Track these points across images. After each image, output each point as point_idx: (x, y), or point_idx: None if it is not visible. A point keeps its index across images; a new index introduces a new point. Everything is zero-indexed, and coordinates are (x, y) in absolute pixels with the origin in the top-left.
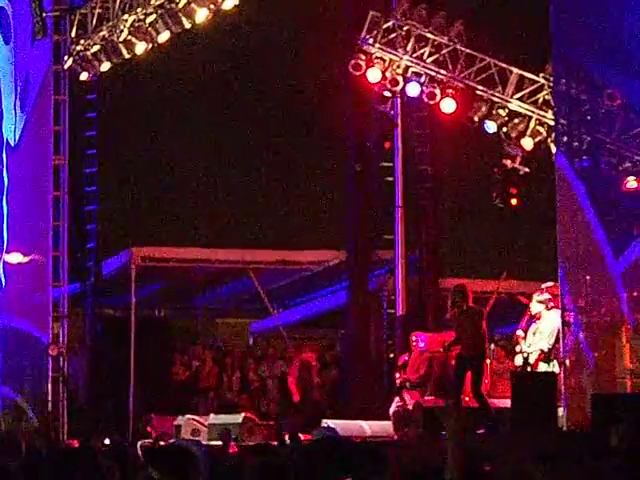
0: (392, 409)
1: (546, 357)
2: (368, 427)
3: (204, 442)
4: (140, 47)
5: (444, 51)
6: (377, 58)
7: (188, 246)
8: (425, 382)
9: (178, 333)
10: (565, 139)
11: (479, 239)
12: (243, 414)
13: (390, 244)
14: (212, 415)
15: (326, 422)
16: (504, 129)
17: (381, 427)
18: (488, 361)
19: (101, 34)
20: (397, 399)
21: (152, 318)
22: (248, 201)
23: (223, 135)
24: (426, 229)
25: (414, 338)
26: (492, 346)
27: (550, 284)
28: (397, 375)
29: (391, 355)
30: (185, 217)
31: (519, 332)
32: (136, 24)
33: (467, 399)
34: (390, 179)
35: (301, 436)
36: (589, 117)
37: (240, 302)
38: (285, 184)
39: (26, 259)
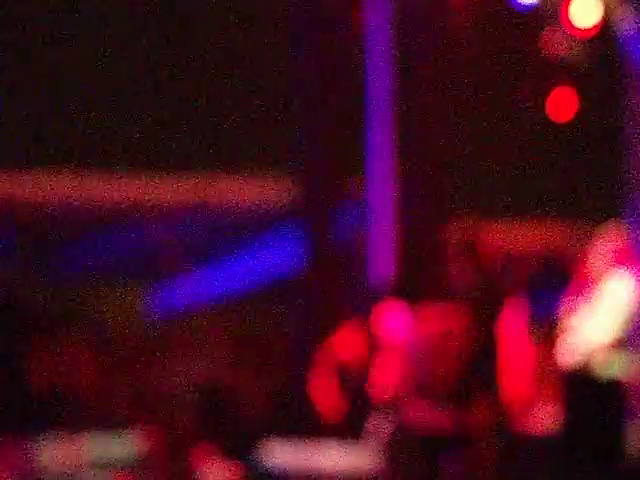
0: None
1: (613, 352)
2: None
3: None
4: None
5: None
6: None
7: (53, 173)
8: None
9: (38, 313)
10: None
11: (501, 165)
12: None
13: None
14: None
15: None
16: None
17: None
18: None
19: None
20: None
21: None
22: (143, 106)
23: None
24: (421, 147)
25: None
26: None
27: (613, 232)
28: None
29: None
30: (51, 130)
31: (566, 312)
32: None
33: None
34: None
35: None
36: None
37: (133, 264)
38: (198, 74)
39: None
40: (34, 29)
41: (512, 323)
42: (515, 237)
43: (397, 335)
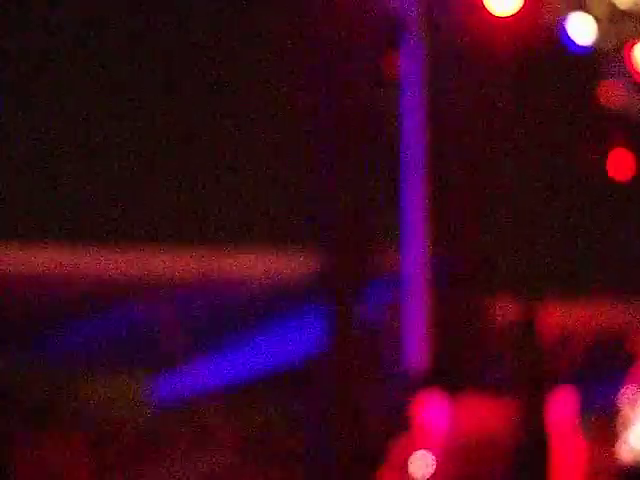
0: None
1: None
2: None
3: None
4: None
5: None
6: None
7: (39, 244)
8: None
9: (19, 403)
10: None
11: (554, 232)
12: None
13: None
14: None
15: None
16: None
17: None
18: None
19: None
20: None
21: None
22: (141, 174)
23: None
24: (463, 213)
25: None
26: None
27: None
28: None
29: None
30: (37, 200)
31: (626, 401)
32: None
33: None
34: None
35: None
36: None
37: (130, 347)
38: (203, 137)
39: None
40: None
41: (564, 415)
42: (569, 315)
43: (436, 430)
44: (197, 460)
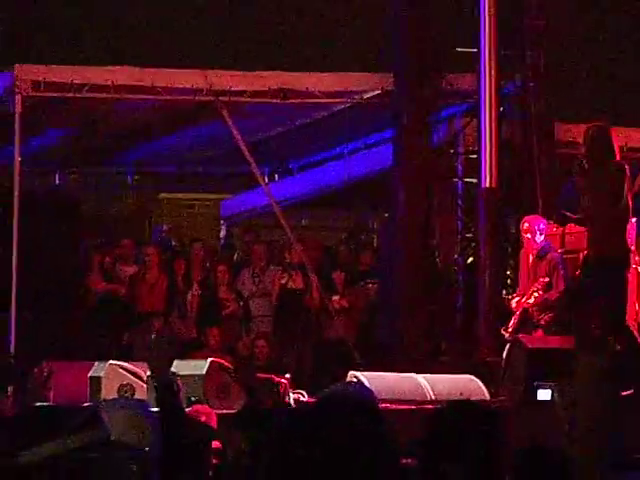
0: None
1: None
2: (427, 384)
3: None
4: None
5: None
6: None
7: (109, 65)
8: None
9: (94, 217)
10: None
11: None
12: (210, 359)
13: (469, 63)
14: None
15: (354, 375)
16: None
17: (451, 384)
18: None
19: None
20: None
21: (50, 190)
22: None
23: None
24: (533, 38)
25: (526, 225)
26: None
27: None
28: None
29: (469, 260)
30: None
31: None
32: None
33: None
34: None
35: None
36: None
37: (202, 164)
38: None
39: None
40: None
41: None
42: None
43: (535, 239)
44: (277, 276)
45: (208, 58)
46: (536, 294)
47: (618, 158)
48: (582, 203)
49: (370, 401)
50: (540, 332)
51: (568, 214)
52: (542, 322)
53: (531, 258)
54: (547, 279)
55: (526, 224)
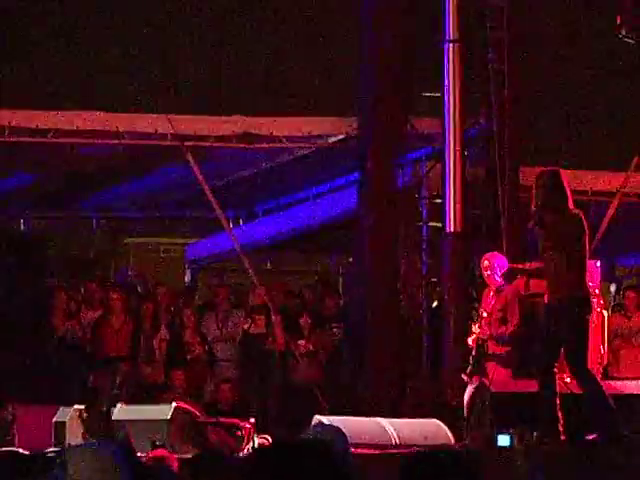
0: (467, 395)
1: None
2: (392, 428)
3: None
4: None
5: None
6: None
7: (74, 109)
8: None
9: (59, 260)
10: None
11: (589, 100)
12: (174, 404)
13: (434, 107)
14: (119, 405)
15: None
16: None
17: (416, 429)
18: (605, 313)
19: None
20: (474, 379)
21: (12, 233)
22: (182, 35)
23: None
24: (498, 80)
25: (486, 263)
26: (612, 287)
27: None
28: (473, 331)
29: (434, 304)
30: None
31: None
32: None
33: (567, 380)
34: None
35: None
36: None
37: (167, 208)
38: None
39: None
40: None
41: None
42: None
43: (495, 275)
44: (241, 321)
45: (173, 103)
46: (484, 327)
47: (571, 201)
48: (540, 251)
49: (342, 449)
50: (493, 364)
51: (520, 266)
52: (496, 354)
53: (491, 294)
54: (500, 313)
55: (486, 261)
